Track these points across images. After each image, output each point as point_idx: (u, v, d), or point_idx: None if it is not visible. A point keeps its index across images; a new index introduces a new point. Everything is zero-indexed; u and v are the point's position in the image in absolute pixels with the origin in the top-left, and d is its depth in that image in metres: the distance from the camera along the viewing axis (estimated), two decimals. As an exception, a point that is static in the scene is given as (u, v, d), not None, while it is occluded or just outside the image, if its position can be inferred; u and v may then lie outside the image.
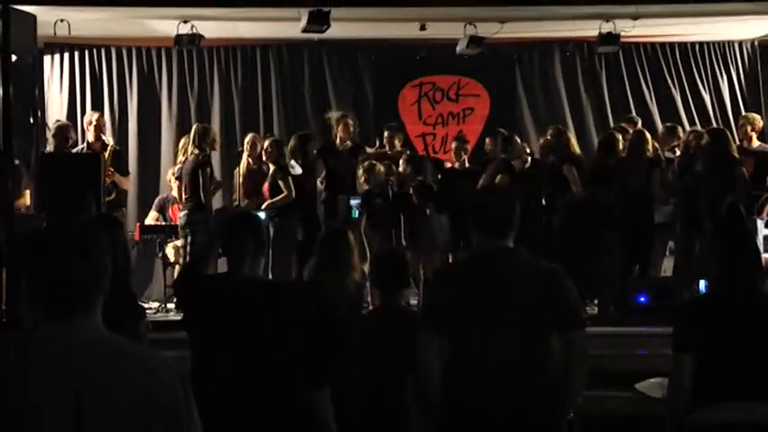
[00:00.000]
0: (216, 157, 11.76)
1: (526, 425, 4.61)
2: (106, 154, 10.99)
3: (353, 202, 10.93)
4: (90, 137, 11.32)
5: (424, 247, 10.85)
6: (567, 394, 4.76)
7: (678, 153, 11.50)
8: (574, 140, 11.30)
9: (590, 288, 10.51)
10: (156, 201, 12.35)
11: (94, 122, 11.43)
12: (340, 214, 10.90)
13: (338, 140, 11.48)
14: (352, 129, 11.60)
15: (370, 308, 7.06)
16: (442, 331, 4.73)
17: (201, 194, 10.63)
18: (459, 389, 4.70)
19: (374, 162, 11.13)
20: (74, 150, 11.39)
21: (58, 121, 11.77)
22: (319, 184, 11.38)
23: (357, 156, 11.43)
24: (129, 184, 11.66)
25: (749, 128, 11.44)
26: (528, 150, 11.74)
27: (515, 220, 4.88)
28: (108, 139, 11.59)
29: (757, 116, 12.06)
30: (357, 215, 10.79)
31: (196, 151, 10.71)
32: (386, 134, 12.08)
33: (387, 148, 11.88)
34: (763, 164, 11.06)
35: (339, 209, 10.98)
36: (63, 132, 11.04)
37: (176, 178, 11.27)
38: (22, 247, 3.00)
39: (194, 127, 11.24)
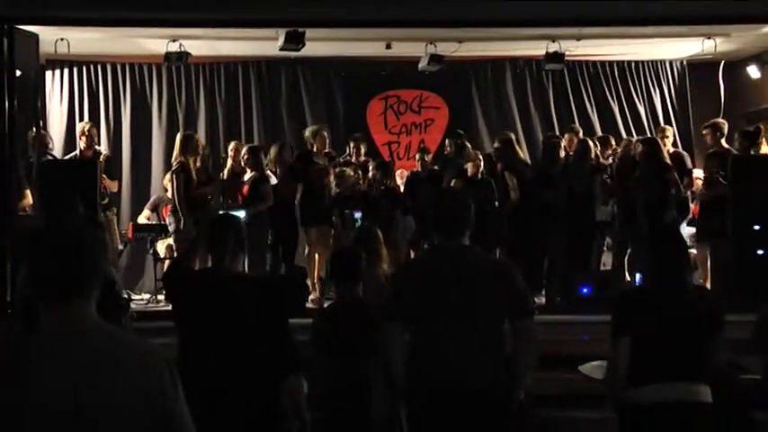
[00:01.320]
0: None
1: (482, 403, 4.62)
2: (102, 160, 10.95)
3: (357, 214, 10.93)
4: (82, 145, 11.27)
5: (390, 245, 10.85)
6: (518, 376, 4.77)
7: (611, 160, 11.61)
8: (519, 149, 11.31)
9: (538, 280, 10.56)
10: (151, 200, 12.35)
11: (86, 132, 11.39)
12: (346, 225, 10.86)
13: (315, 150, 11.39)
14: (327, 140, 11.55)
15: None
16: (405, 322, 4.74)
17: (175, 197, 10.55)
18: (421, 374, 4.72)
19: (344, 169, 11.17)
20: (66, 157, 11.31)
21: (39, 131, 11.62)
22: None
23: (332, 163, 11.40)
24: (116, 186, 11.61)
25: (665, 139, 11.53)
26: (481, 156, 11.75)
27: (470, 221, 4.88)
28: (100, 147, 11.56)
29: (669, 127, 12.19)
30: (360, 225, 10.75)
31: (180, 158, 10.64)
32: (351, 144, 12.10)
33: (353, 157, 11.87)
34: (678, 167, 11.10)
35: (345, 220, 10.93)
36: (41, 140, 10.87)
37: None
38: (26, 242, 2.98)
39: (178, 135, 11.18)
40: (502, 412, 4.70)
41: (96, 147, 11.41)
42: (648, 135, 12.28)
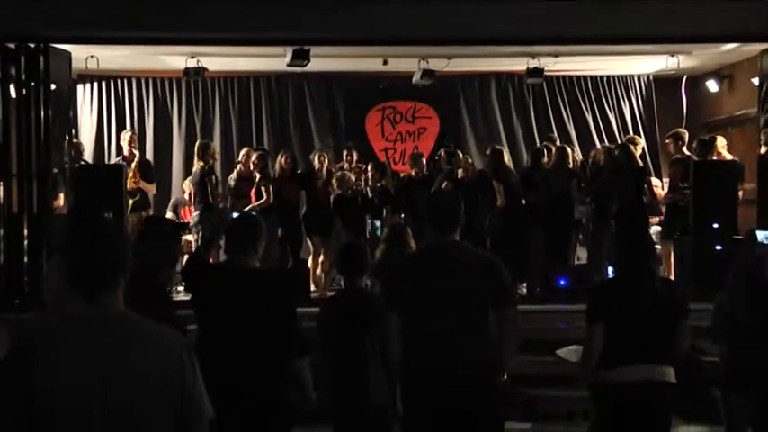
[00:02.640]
0: (216, 170, 11.65)
1: (468, 384, 4.62)
2: (134, 164, 11.01)
3: (377, 223, 11.04)
4: (125, 151, 11.31)
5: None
6: (501, 360, 4.77)
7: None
8: (507, 158, 11.29)
9: (520, 273, 10.56)
10: (171, 202, 12.36)
11: (128, 139, 11.47)
12: (369, 232, 11.00)
13: (317, 167, 11.42)
14: (326, 161, 11.60)
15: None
16: (401, 311, 4.74)
17: (210, 198, 10.62)
18: (414, 357, 4.71)
19: (345, 173, 11.22)
20: (111, 162, 11.34)
21: (74, 141, 11.65)
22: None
23: (330, 180, 11.42)
24: (153, 189, 11.57)
25: (636, 147, 11.51)
26: (470, 161, 11.75)
27: (460, 219, 4.89)
28: (136, 153, 11.63)
29: (639, 137, 12.16)
30: (379, 233, 10.75)
31: (201, 163, 10.69)
32: (345, 152, 12.15)
33: (347, 163, 11.88)
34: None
35: (368, 227, 11.09)
36: (76, 149, 10.95)
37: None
38: (64, 237, 2.97)
39: (197, 143, 11.21)
40: (486, 394, 4.69)
41: (135, 151, 11.45)
42: (619, 142, 12.28)
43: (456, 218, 4.89)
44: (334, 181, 11.14)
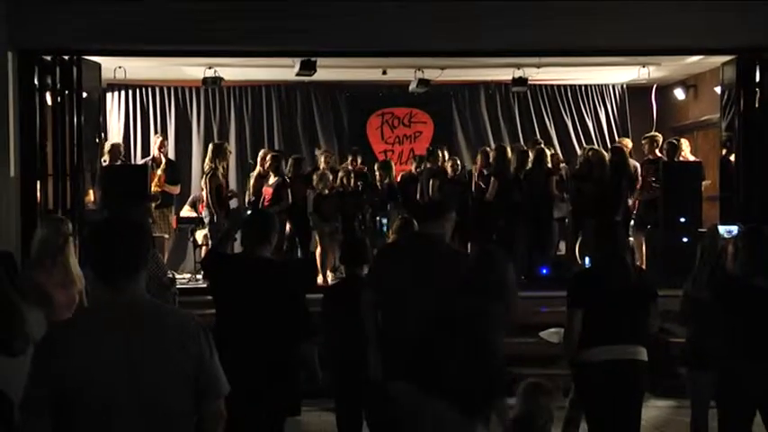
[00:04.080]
0: (231, 168, 11.63)
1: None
2: (162, 165, 11.02)
3: (384, 220, 11.09)
4: (155, 153, 11.34)
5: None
6: None
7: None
8: (509, 156, 11.16)
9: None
10: (190, 198, 12.34)
11: (158, 144, 11.51)
12: (377, 229, 11.02)
13: (321, 167, 11.41)
14: (330, 160, 11.63)
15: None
16: (378, 289, 4.88)
17: (208, 197, 10.57)
18: (392, 328, 4.82)
19: (324, 172, 11.11)
20: (140, 162, 11.37)
21: (114, 142, 11.67)
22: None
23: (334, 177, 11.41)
24: (177, 190, 11.58)
25: (625, 149, 11.46)
26: (458, 162, 11.74)
27: (438, 210, 4.92)
28: (162, 155, 11.66)
29: (628, 140, 12.11)
30: (386, 229, 10.82)
31: (212, 164, 10.63)
32: (350, 156, 12.13)
33: (354, 166, 11.84)
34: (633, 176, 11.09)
35: (376, 224, 11.14)
36: (116, 149, 11.01)
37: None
38: (94, 230, 3.02)
39: (210, 145, 11.18)
40: None
41: (162, 157, 11.46)
42: (595, 146, 12.25)
43: (442, 213, 4.90)
44: (314, 177, 11.04)
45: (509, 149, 11.23)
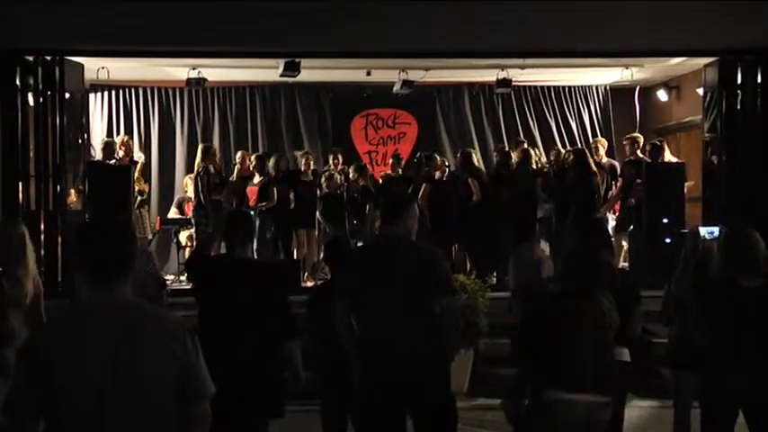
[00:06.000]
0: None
1: (413, 360, 4.61)
2: (139, 166, 10.97)
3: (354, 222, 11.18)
4: (120, 154, 11.24)
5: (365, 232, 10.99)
6: (446, 345, 4.77)
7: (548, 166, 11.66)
8: (476, 158, 11.29)
9: (491, 264, 10.59)
10: (176, 200, 12.35)
11: (125, 143, 11.41)
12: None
13: (303, 168, 11.42)
14: (312, 160, 11.63)
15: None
16: (352, 298, 4.76)
17: (201, 196, 10.58)
18: (367, 336, 4.73)
19: (331, 173, 11.23)
20: (108, 164, 11.30)
21: (108, 139, 11.63)
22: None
23: (315, 179, 11.45)
24: (147, 188, 11.58)
25: (600, 149, 11.54)
26: (447, 163, 11.76)
27: (407, 214, 4.84)
28: (138, 155, 11.57)
29: (604, 140, 12.18)
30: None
31: (202, 164, 10.68)
32: (331, 156, 12.13)
33: (336, 166, 11.86)
34: (611, 174, 11.18)
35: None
36: (111, 147, 10.94)
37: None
38: (81, 232, 3.00)
39: (199, 147, 11.21)
40: (431, 370, 4.68)
41: (133, 156, 11.40)
42: (578, 146, 12.32)
43: (402, 212, 4.85)
44: (322, 180, 11.17)
45: (473, 153, 11.34)
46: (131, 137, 12.51)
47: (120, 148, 11.25)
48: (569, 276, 4.60)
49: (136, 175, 11.07)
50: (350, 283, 4.83)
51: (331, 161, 12.03)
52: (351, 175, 11.49)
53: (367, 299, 4.70)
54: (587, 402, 4.27)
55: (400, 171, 11.89)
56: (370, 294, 4.69)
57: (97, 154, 10.94)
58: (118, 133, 13.23)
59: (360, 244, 7.27)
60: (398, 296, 4.62)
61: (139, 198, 10.86)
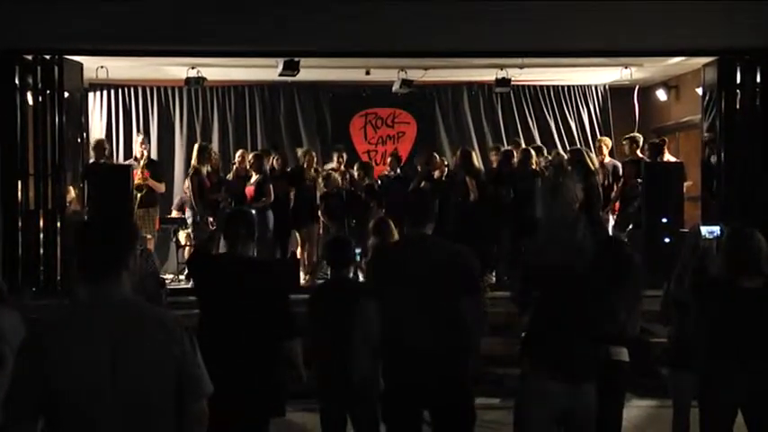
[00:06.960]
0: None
1: (438, 361, 4.60)
2: (143, 163, 10.97)
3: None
4: (137, 153, 11.28)
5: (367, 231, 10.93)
6: (471, 342, 4.76)
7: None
8: (475, 157, 11.30)
9: (490, 264, 10.59)
10: (176, 200, 12.34)
11: (140, 142, 11.44)
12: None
13: (305, 166, 11.41)
14: (315, 159, 11.63)
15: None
16: (380, 297, 4.72)
17: (192, 197, 10.57)
18: (393, 336, 4.69)
19: (331, 172, 11.22)
20: (125, 162, 11.32)
21: (99, 138, 11.64)
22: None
23: (317, 177, 11.44)
24: (162, 188, 11.51)
25: (604, 148, 11.54)
26: (446, 163, 11.76)
27: (432, 215, 4.86)
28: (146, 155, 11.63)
29: (608, 139, 12.19)
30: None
31: (196, 165, 10.66)
32: (335, 155, 12.08)
33: (340, 165, 11.85)
34: (613, 174, 11.19)
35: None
36: (100, 145, 10.93)
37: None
38: (77, 230, 3.01)
39: (195, 146, 11.17)
40: (455, 370, 4.67)
41: (145, 152, 11.42)
42: (577, 146, 12.32)
43: (428, 214, 4.87)
44: (320, 180, 11.15)
45: (474, 153, 11.34)
46: (128, 137, 12.48)
47: (142, 147, 11.25)
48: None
49: (138, 170, 11.03)
50: (379, 282, 4.82)
51: (335, 159, 12.00)
52: (356, 174, 11.49)
53: (394, 298, 4.69)
54: None
55: (399, 171, 11.89)
56: (397, 294, 4.69)
57: (89, 154, 10.90)
58: (116, 131, 13.27)
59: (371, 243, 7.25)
60: (424, 295, 4.61)
61: (139, 196, 10.83)
